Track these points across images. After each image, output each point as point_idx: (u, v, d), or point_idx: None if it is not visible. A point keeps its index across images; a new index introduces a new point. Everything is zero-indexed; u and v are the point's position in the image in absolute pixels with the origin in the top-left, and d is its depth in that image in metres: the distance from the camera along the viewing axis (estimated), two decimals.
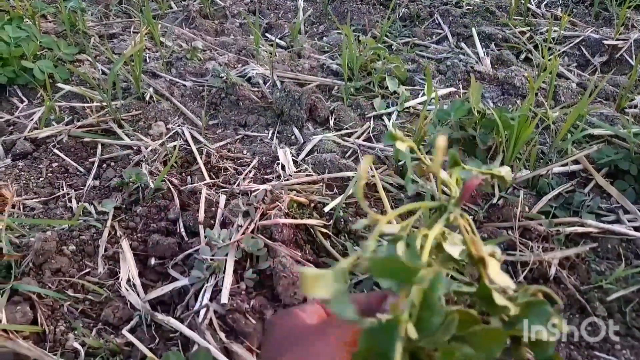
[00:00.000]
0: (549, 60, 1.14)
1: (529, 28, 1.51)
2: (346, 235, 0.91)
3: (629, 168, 0.96)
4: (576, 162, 1.00)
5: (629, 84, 1.20)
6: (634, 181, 0.96)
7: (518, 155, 0.99)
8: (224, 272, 0.77)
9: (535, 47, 1.44)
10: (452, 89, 1.26)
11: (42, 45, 1.38)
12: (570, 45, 1.43)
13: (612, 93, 1.25)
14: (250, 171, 1.04)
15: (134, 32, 1.63)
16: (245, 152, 1.11)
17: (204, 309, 0.72)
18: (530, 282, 0.82)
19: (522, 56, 1.43)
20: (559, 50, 1.42)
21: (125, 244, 0.86)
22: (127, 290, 0.79)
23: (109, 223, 0.89)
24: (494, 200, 0.94)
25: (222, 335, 0.70)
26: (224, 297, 0.72)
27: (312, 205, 0.95)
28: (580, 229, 0.87)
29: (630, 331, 0.74)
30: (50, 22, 1.63)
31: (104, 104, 1.19)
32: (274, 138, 1.16)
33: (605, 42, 1.40)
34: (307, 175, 1.00)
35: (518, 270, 0.82)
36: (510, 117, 0.93)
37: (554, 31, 1.47)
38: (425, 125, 0.99)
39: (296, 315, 0.41)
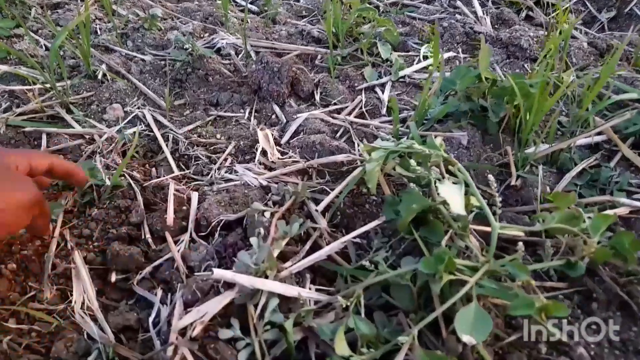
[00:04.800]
0: (555, 20, 1.00)
1: None
2: (344, 231, 0.78)
3: None
4: (599, 132, 0.88)
5: None
6: None
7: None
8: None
9: (537, 3, 1.30)
10: (452, 54, 1.11)
11: None
12: (575, 0, 1.30)
13: (626, 52, 1.13)
14: (225, 159, 0.89)
15: (81, 0, 1.41)
16: (219, 136, 0.95)
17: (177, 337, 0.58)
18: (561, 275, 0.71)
19: (523, 14, 1.29)
20: (563, 7, 1.28)
21: (78, 257, 0.70)
22: (82, 316, 0.64)
23: (57, 232, 0.73)
24: (512, 182, 0.81)
25: None
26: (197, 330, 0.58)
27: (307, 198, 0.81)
28: (611, 211, 0.76)
29: None
30: None
31: (48, 85, 1.01)
32: (252, 118, 1.00)
33: None
34: (293, 162, 0.86)
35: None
36: (528, 83, 0.80)
37: None
38: (429, 97, 0.85)
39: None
